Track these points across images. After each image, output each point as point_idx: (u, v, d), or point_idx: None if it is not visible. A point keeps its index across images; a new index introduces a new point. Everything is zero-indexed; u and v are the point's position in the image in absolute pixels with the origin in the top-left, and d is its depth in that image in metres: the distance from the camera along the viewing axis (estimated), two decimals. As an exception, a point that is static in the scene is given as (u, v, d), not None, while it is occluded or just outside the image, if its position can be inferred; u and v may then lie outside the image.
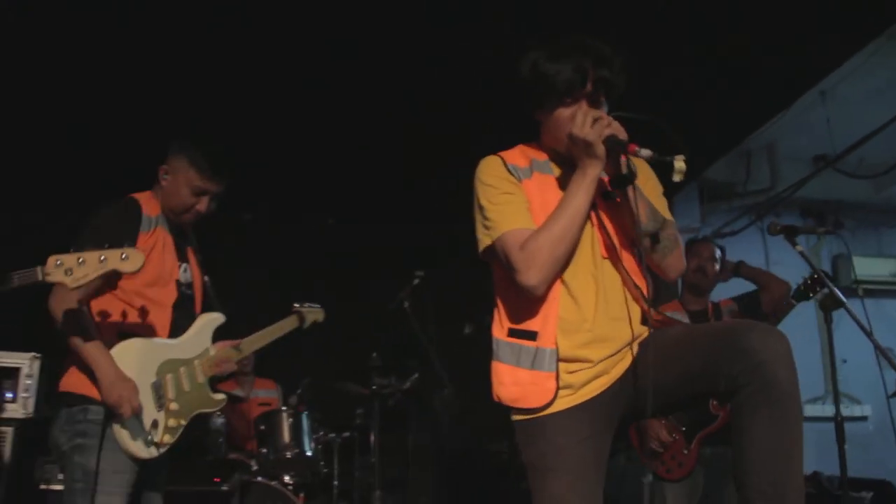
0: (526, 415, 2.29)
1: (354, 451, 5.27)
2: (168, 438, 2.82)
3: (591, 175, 2.25)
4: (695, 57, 4.56)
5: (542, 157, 2.47)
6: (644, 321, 2.36)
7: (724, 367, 2.05)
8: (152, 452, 2.75)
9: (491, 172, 2.41)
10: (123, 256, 2.45)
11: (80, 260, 2.41)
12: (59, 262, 2.40)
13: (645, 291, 2.34)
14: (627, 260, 2.39)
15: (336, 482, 4.99)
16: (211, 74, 4.59)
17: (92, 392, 2.70)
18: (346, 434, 5.13)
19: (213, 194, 3.06)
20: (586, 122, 2.21)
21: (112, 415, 2.67)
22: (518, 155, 2.48)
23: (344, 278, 5.82)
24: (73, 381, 2.75)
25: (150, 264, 2.85)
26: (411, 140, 5.41)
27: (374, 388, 4.94)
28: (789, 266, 4.79)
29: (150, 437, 2.75)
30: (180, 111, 4.70)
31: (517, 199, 2.36)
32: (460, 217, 5.75)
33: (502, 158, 2.44)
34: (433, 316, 5.44)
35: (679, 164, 2.13)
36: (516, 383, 2.31)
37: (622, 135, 2.22)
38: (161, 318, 2.92)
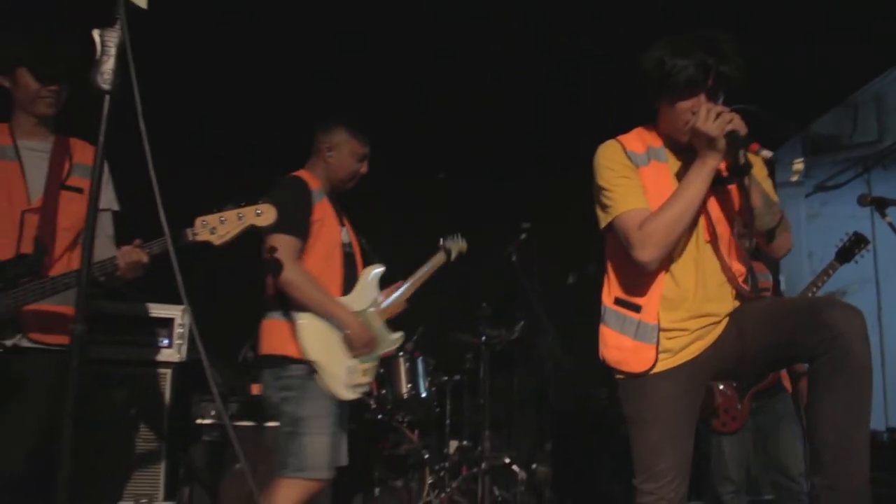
0: (627, 375, 2.58)
1: (464, 393, 5.65)
2: (366, 379, 3.29)
3: (710, 166, 2.44)
4: (805, 9, 4.60)
5: (657, 143, 2.64)
6: (738, 298, 2.59)
7: (806, 338, 2.28)
8: (357, 392, 3.22)
9: (610, 156, 2.61)
10: (258, 212, 2.79)
11: (222, 219, 2.75)
12: (204, 223, 2.74)
13: (741, 277, 2.59)
14: (728, 244, 2.59)
15: (448, 421, 5.40)
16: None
17: (289, 351, 3.12)
18: (457, 377, 5.49)
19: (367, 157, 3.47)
20: (710, 116, 2.38)
21: (313, 369, 3.11)
22: (636, 140, 2.66)
23: (455, 231, 6.04)
24: (273, 344, 3.17)
25: (326, 230, 3.28)
26: (519, 93, 5.59)
27: (483, 338, 5.27)
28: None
29: (352, 381, 3.18)
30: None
31: (634, 182, 2.56)
32: (565, 171, 5.97)
33: (622, 144, 2.63)
34: (538, 267, 5.70)
35: (797, 166, 2.34)
36: (619, 348, 2.59)
37: (743, 130, 2.38)
38: (335, 277, 3.33)
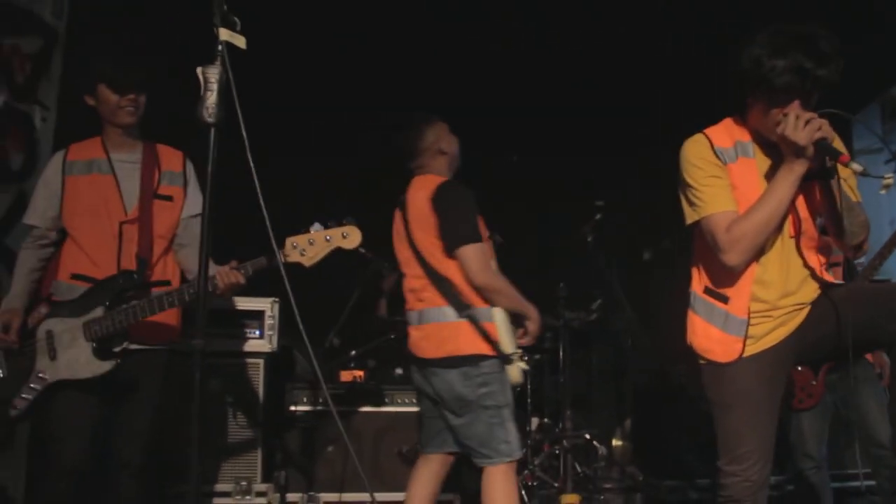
0: (710, 363, 2.65)
1: (544, 372, 5.73)
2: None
3: (797, 172, 2.44)
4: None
5: (745, 137, 2.64)
6: (820, 287, 2.61)
7: (885, 325, 2.33)
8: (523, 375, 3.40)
9: (698, 154, 2.62)
10: (344, 234, 2.87)
11: (311, 240, 2.83)
12: (294, 244, 2.83)
13: (822, 266, 2.62)
14: (811, 238, 2.62)
15: (529, 399, 5.49)
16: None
17: (480, 349, 3.21)
18: (538, 356, 5.56)
19: None
20: (799, 124, 2.36)
21: (504, 361, 3.26)
22: (723, 134, 2.66)
23: (529, 212, 6.13)
24: (461, 345, 3.22)
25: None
26: (590, 71, 5.61)
27: (562, 319, 5.34)
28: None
29: (522, 365, 3.36)
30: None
31: (722, 182, 2.58)
32: (636, 148, 5.96)
33: (709, 140, 2.63)
34: (614, 244, 5.72)
35: (888, 180, 2.29)
36: (707, 337, 2.65)
37: (831, 136, 2.37)
38: None
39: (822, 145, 2.36)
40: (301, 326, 2.38)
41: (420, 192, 3.36)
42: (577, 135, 6.15)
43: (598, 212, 5.44)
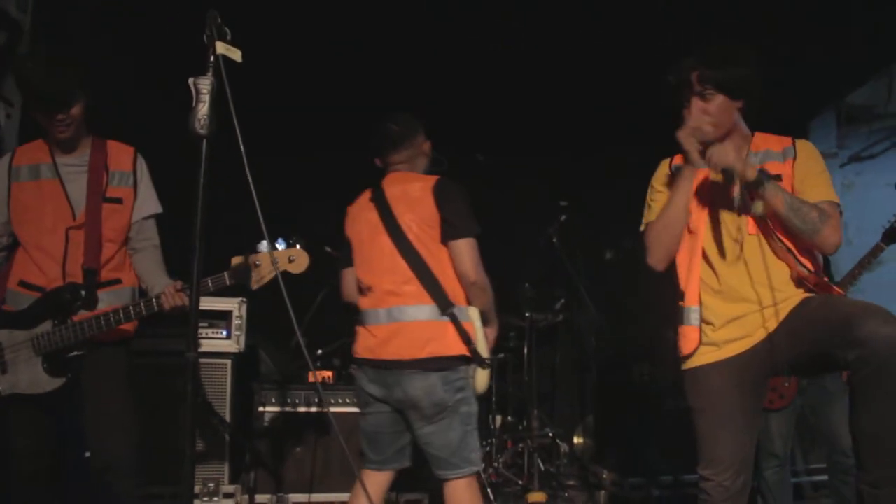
0: (687, 365, 2.77)
1: (508, 371, 5.81)
2: None
3: (686, 175, 2.76)
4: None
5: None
6: (799, 285, 2.69)
7: (842, 353, 2.37)
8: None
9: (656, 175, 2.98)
10: (291, 258, 2.82)
11: (256, 262, 2.76)
12: (239, 264, 2.75)
13: (793, 266, 2.69)
14: (779, 235, 2.69)
15: (493, 398, 5.54)
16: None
17: (458, 350, 3.09)
18: (501, 355, 5.64)
19: None
20: (684, 130, 2.71)
21: (474, 368, 3.18)
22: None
23: (493, 212, 6.13)
24: (447, 345, 3.09)
25: None
26: (550, 70, 5.64)
27: (527, 316, 5.42)
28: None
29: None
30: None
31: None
32: (599, 148, 6.01)
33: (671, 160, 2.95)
34: (577, 244, 5.75)
35: (756, 208, 2.59)
36: (679, 337, 2.81)
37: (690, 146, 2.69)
38: None
39: (726, 173, 2.61)
40: (298, 334, 2.35)
41: (413, 184, 3.26)
42: (541, 134, 6.18)
43: (563, 212, 5.51)
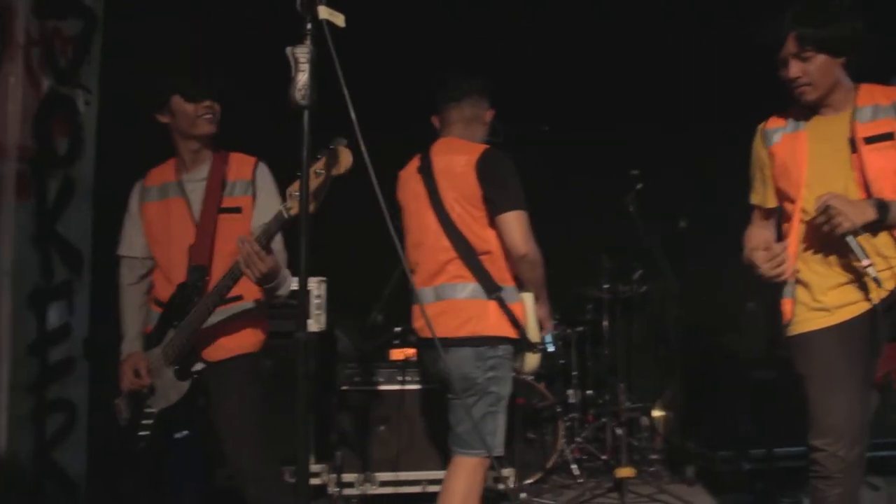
0: (793, 331, 2.67)
1: (586, 344, 5.70)
2: None
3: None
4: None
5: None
6: None
7: None
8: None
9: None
10: (331, 159, 2.38)
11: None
12: (292, 193, 2.49)
13: None
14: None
15: (575, 372, 5.51)
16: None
17: (501, 331, 3.06)
18: (580, 328, 5.56)
19: None
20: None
21: (522, 348, 3.12)
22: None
23: (567, 184, 6.06)
24: (487, 325, 3.05)
25: None
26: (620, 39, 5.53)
27: (606, 287, 5.32)
28: None
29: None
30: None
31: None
32: (671, 115, 5.86)
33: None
34: (654, 212, 5.62)
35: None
36: (783, 301, 2.72)
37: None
38: None
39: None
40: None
41: (459, 156, 3.15)
42: (612, 103, 6.00)
43: (637, 181, 5.38)
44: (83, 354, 3.80)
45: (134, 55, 4.23)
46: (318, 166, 2.31)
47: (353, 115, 1.83)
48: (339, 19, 1.87)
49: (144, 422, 2.93)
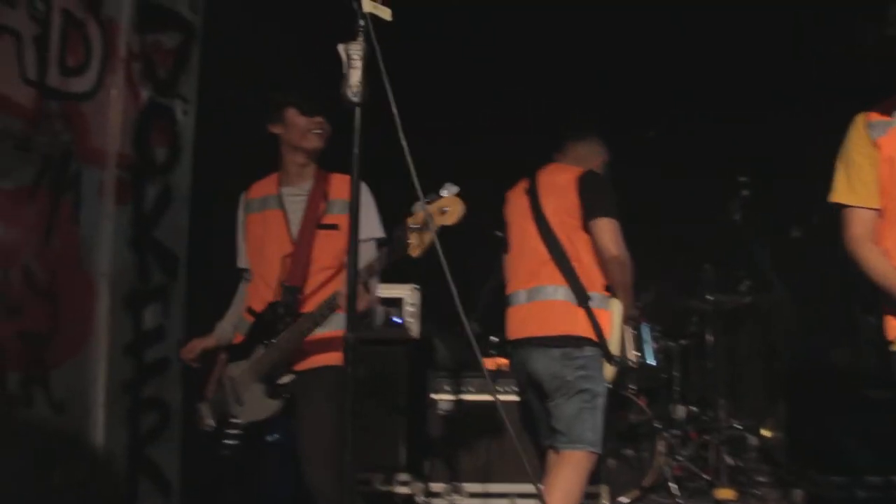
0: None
1: (690, 358, 5.46)
2: None
3: None
4: None
5: None
6: None
7: None
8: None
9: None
10: (442, 210, 2.34)
11: (412, 225, 2.39)
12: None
13: None
14: None
15: (677, 388, 5.28)
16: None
17: (586, 333, 3.21)
18: (683, 342, 5.33)
19: None
20: None
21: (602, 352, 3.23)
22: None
23: (668, 190, 5.87)
24: (572, 327, 3.23)
25: None
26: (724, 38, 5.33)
27: (710, 299, 5.09)
28: None
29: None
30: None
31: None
32: (779, 118, 5.60)
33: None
34: (761, 220, 5.34)
35: None
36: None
37: None
38: None
39: None
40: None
41: (563, 175, 3.43)
42: (715, 106, 5.78)
43: (744, 188, 5.15)
44: (177, 356, 3.90)
45: (234, 67, 4.37)
46: (429, 214, 2.26)
47: (395, 112, 1.78)
48: (385, 13, 1.84)
49: (230, 431, 2.94)
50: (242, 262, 3.18)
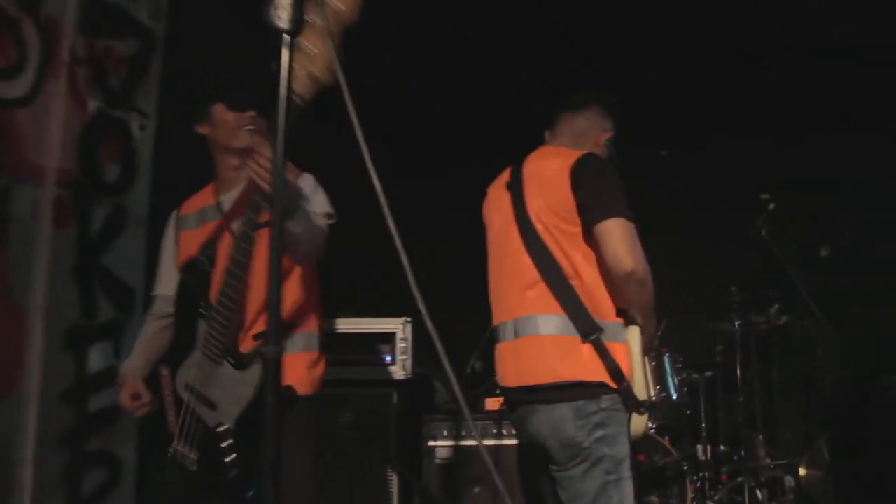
0: None
1: (717, 391, 5.04)
2: None
3: None
4: None
5: None
6: None
7: None
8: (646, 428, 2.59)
9: None
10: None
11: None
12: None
13: None
14: None
15: (703, 424, 4.81)
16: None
17: (599, 377, 2.45)
18: (709, 373, 4.88)
19: None
20: None
21: (631, 407, 2.47)
22: None
23: (688, 208, 5.52)
24: (581, 368, 2.45)
25: None
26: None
27: (737, 325, 4.71)
28: None
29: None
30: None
31: None
32: (804, 133, 5.39)
33: None
34: (791, 238, 5.08)
35: None
36: None
37: None
38: None
39: None
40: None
41: (552, 161, 2.62)
42: (737, 121, 5.52)
43: (767, 204, 4.85)
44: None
45: (203, 81, 4.00)
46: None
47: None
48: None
49: (223, 445, 2.41)
50: (159, 289, 2.81)
